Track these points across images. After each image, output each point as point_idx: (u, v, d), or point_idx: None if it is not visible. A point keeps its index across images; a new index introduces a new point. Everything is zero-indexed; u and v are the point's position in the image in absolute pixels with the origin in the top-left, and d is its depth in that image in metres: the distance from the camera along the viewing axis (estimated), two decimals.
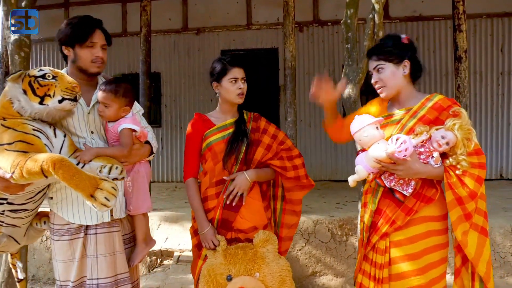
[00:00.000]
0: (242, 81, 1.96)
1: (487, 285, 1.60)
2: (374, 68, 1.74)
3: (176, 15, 6.88)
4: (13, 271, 2.05)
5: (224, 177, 1.91)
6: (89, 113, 1.76)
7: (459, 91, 3.87)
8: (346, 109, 3.04)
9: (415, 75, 1.75)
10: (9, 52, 3.22)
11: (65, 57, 1.79)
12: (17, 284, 2.06)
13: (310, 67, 6.56)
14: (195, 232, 1.99)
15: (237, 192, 1.87)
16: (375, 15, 2.83)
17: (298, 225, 3.62)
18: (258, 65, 6.57)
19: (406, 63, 1.70)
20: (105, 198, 1.35)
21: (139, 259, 1.85)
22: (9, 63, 3.28)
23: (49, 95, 1.51)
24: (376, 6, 2.81)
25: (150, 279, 3.34)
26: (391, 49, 1.70)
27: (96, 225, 1.70)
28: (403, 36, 1.73)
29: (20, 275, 2.02)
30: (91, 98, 1.78)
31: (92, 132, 1.76)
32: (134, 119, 1.80)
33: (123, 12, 6.98)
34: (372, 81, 1.77)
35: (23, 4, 3.30)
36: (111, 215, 1.73)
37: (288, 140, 2.07)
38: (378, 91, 1.75)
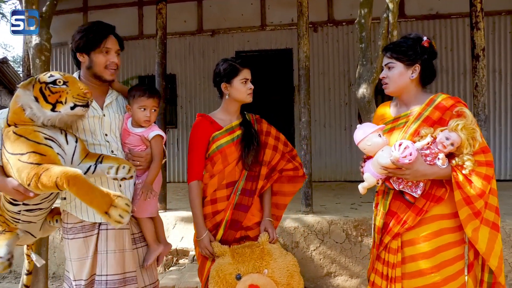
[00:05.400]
0: (250, 81, 2.01)
1: (498, 279, 1.59)
2: (385, 65, 1.75)
3: (191, 17, 6.96)
4: (26, 261, 2.08)
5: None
6: (104, 115, 1.80)
7: (476, 90, 3.81)
8: (360, 109, 3.03)
9: (425, 79, 1.74)
10: (30, 56, 3.31)
11: (78, 64, 1.83)
12: (24, 276, 2.09)
13: (325, 67, 6.54)
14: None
15: (274, 238, 1.96)
16: (389, 14, 2.81)
17: (313, 225, 3.66)
18: (272, 66, 6.60)
19: (417, 67, 1.70)
20: (119, 215, 1.36)
21: (152, 259, 1.86)
22: (31, 67, 3.39)
23: (61, 102, 1.49)
24: (391, 5, 2.79)
25: (166, 277, 3.39)
26: (406, 49, 1.70)
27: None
28: (424, 38, 1.71)
29: (38, 263, 2.04)
30: (104, 101, 1.82)
31: (106, 135, 1.79)
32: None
33: (140, 15, 7.09)
34: (380, 75, 1.79)
35: (43, 9, 3.40)
36: None
37: (287, 140, 2.16)
38: (383, 86, 1.77)
